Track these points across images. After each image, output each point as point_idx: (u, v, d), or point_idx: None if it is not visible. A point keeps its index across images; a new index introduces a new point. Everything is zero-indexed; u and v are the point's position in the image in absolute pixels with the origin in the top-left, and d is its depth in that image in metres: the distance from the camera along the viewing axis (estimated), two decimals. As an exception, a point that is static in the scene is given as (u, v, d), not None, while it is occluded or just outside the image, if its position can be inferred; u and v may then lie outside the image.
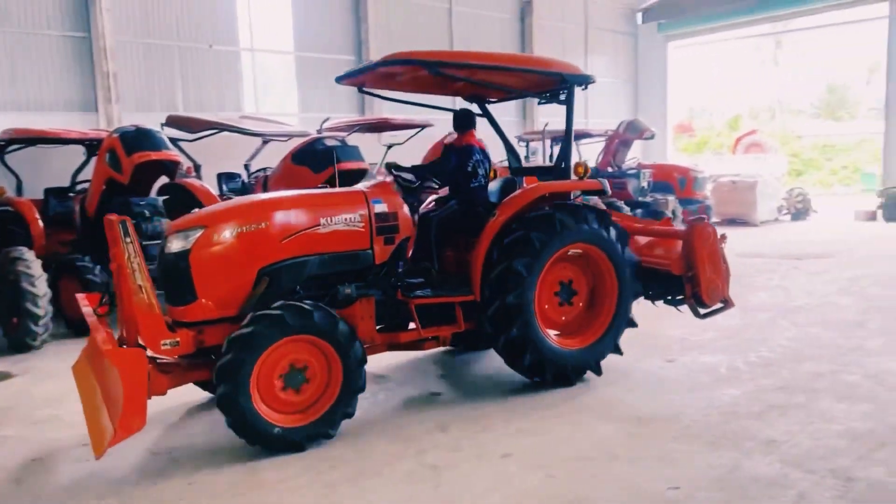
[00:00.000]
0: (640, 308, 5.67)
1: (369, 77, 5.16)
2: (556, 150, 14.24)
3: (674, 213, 13.31)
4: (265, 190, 9.17)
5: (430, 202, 5.74)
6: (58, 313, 7.34)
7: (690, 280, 5.38)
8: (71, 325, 7.62)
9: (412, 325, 4.88)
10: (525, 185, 5.51)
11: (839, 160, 32.83)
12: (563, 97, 5.40)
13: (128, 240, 3.92)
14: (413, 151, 11.78)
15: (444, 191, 5.77)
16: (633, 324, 5.44)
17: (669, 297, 5.72)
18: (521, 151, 15.72)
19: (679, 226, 6.58)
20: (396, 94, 5.70)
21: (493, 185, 5.53)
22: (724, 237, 5.56)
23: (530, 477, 3.69)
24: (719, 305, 5.56)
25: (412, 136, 11.98)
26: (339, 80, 5.33)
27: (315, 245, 4.47)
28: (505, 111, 18.15)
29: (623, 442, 4.12)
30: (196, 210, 4.75)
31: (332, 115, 14.16)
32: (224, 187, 9.96)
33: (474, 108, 5.89)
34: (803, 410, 4.51)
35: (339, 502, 3.51)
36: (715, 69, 42.35)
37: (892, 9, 17.67)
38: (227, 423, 4.02)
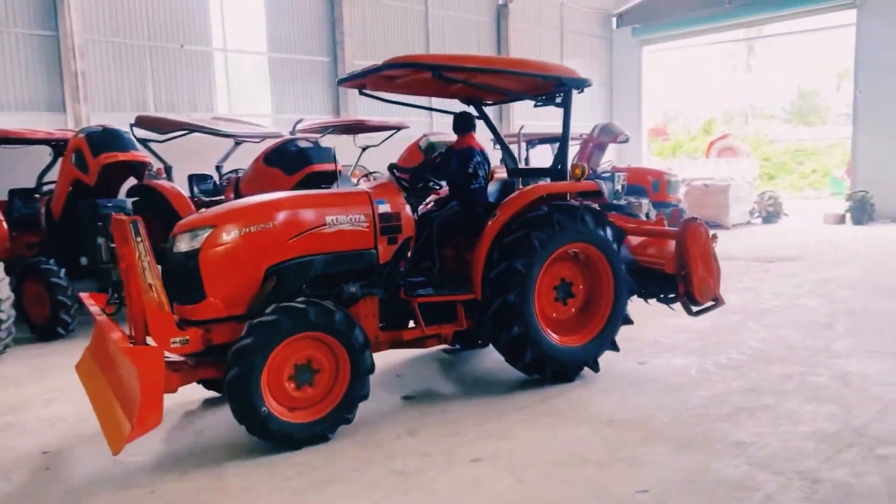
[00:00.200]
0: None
1: (371, 79, 5.21)
2: (532, 152, 14.35)
3: (647, 215, 13.41)
4: (236, 192, 9.04)
5: (428, 203, 5.79)
6: (21, 317, 7.17)
7: (683, 278, 5.52)
8: (35, 329, 7.45)
9: (411, 324, 5.01)
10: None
11: (810, 164, 33.40)
12: (558, 100, 5.53)
13: (138, 239, 3.92)
14: (388, 153, 11.73)
15: (442, 192, 5.85)
16: (628, 321, 5.55)
17: (662, 296, 5.85)
18: (497, 154, 15.76)
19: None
20: (384, 96, 5.73)
21: (492, 187, 5.64)
22: (715, 237, 5.70)
23: (500, 482, 3.66)
24: (710, 303, 5.70)
25: (387, 138, 11.92)
26: (341, 82, 5.44)
27: (321, 244, 4.53)
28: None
29: (594, 445, 4.11)
30: (203, 210, 4.76)
31: (307, 116, 14.06)
32: (195, 189, 9.80)
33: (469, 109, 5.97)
34: (772, 412, 4.55)
35: (306, 510, 3.45)
36: (689, 74, 42.89)
37: (860, 16, 18.02)
38: (232, 408, 4.03)
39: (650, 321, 5.78)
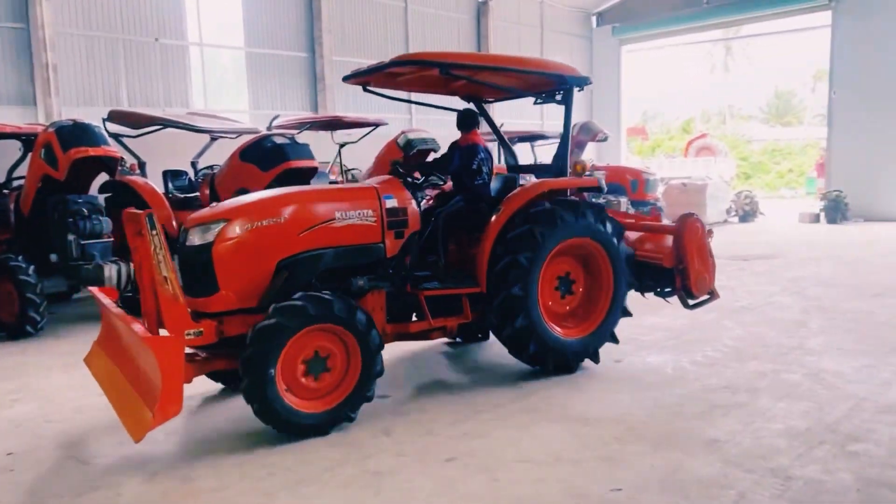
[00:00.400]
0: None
1: (376, 77, 5.31)
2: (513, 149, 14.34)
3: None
4: (212, 188, 8.91)
5: (430, 198, 5.83)
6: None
7: (681, 272, 5.63)
8: (3, 327, 7.28)
9: (413, 318, 5.16)
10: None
11: (786, 164, 33.83)
12: (559, 97, 5.67)
13: (154, 231, 3.96)
14: (367, 150, 11.67)
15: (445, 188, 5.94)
16: (627, 313, 5.68)
17: (659, 290, 5.96)
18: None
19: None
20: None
21: (494, 183, 5.72)
22: (710, 232, 5.84)
23: (473, 481, 3.63)
24: (706, 297, 5.82)
25: (365, 135, 11.84)
26: (346, 79, 5.54)
27: (330, 238, 4.61)
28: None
29: (568, 443, 4.09)
30: (214, 204, 4.82)
31: (284, 112, 13.93)
32: (170, 185, 9.65)
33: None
34: (745, 409, 4.57)
35: (276, 511, 3.39)
36: (668, 74, 43.24)
37: (835, 18, 18.25)
38: (243, 388, 4.07)
39: (627, 319, 5.78)
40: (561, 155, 5.65)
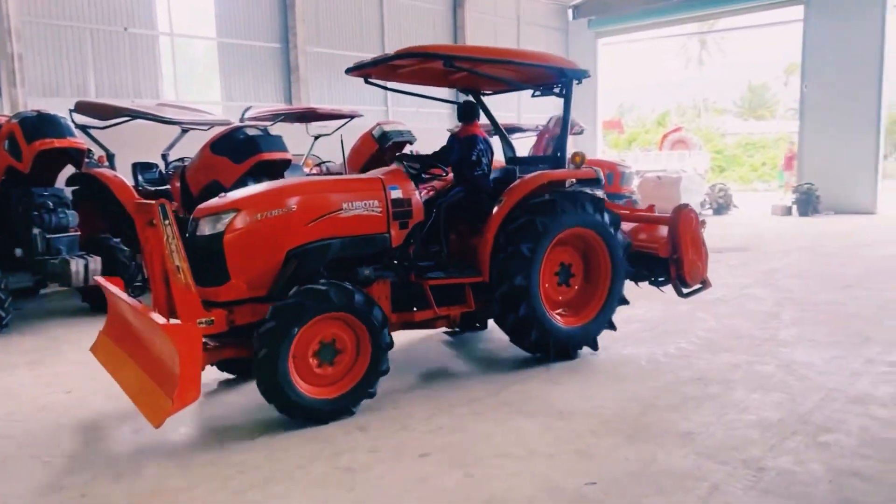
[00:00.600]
0: (564, 301, 5.66)
1: (379, 69, 5.40)
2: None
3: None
4: (182, 181, 8.75)
5: (430, 189, 5.86)
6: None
7: (675, 262, 5.81)
8: (-34, 323, 7.08)
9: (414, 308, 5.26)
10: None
11: (759, 157, 34.26)
12: (557, 90, 5.82)
13: (167, 222, 4.02)
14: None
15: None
16: (624, 301, 5.80)
17: (653, 279, 6.14)
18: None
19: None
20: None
21: (494, 174, 5.79)
22: (704, 222, 5.99)
23: (447, 477, 3.59)
24: (699, 286, 6.00)
25: (340, 127, 11.71)
26: (348, 71, 5.59)
27: (338, 228, 4.68)
28: (439, 104, 18.07)
29: (543, 437, 4.07)
30: (222, 194, 4.84)
31: (258, 104, 13.74)
32: (140, 178, 9.46)
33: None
34: (719, 401, 4.59)
35: (246, 510, 3.33)
36: (644, 68, 43.48)
37: (807, 13, 18.45)
38: (256, 358, 4.12)
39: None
40: (560, 147, 5.82)
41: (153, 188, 9.25)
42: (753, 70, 45.49)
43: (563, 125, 5.83)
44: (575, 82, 5.75)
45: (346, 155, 11.07)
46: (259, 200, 4.53)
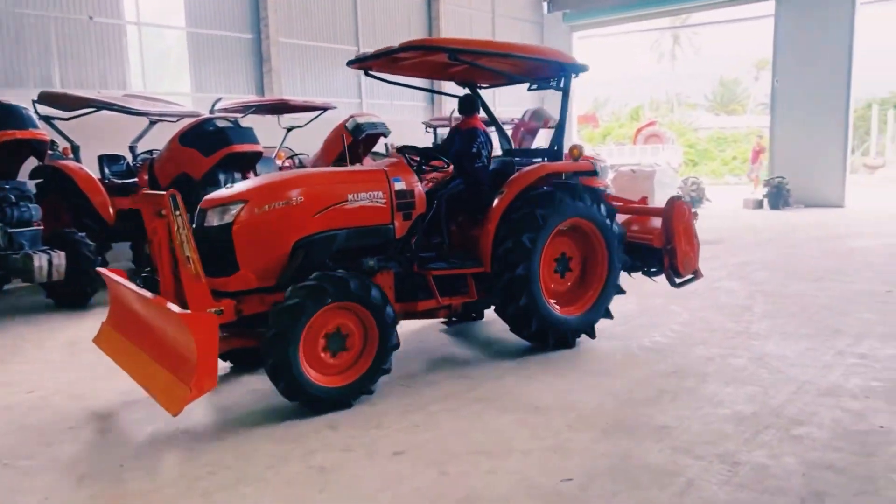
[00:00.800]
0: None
1: (380, 61, 5.47)
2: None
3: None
4: (150, 174, 8.55)
5: (429, 181, 5.85)
6: None
7: (669, 252, 5.97)
8: (-78, 321, 6.85)
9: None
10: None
11: (731, 151, 34.69)
12: (553, 84, 5.91)
13: (177, 212, 4.05)
14: (314, 134, 11.39)
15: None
16: (621, 290, 5.92)
17: (646, 269, 6.29)
18: (429, 137, 15.57)
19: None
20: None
21: (492, 165, 5.89)
22: (696, 214, 6.18)
23: (422, 475, 3.53)
24: (691, 276, 6.18)
25: (313, 119, 11.55)
26: (350, 63, 5.67)
27: (343, 219, 4.74)
28: (413, 97, 17.95)
29: (519, 433, 4.03)
30: (230, 185, 4.86)
31: (229, 95, 13.48)
32: (106, 170, 9.22)
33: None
34: (693, 395, 4.59)
35: (214, 513, 3.23)
36: (618, 62, 43.72)
37: (778, 7, 18.65)
38: (269, 335, 4.14)
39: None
40: (558, 140, 6.00)
41: (120, 181, 9.03)
42: (725, 65, 46.03)
43: (561, 118, 5.96)
44: (573, 76, 5.89)
45: (321, 147, 10.94)
46: (267, 191, 4.59)
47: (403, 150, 5.48)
